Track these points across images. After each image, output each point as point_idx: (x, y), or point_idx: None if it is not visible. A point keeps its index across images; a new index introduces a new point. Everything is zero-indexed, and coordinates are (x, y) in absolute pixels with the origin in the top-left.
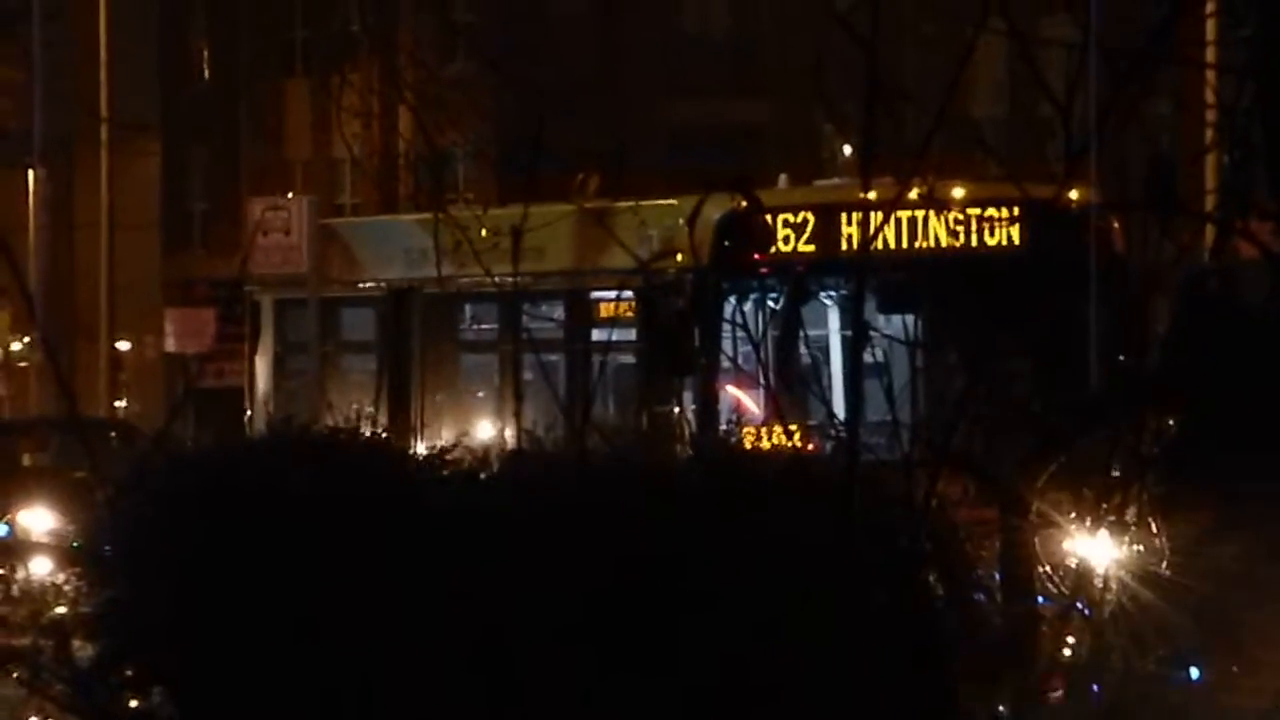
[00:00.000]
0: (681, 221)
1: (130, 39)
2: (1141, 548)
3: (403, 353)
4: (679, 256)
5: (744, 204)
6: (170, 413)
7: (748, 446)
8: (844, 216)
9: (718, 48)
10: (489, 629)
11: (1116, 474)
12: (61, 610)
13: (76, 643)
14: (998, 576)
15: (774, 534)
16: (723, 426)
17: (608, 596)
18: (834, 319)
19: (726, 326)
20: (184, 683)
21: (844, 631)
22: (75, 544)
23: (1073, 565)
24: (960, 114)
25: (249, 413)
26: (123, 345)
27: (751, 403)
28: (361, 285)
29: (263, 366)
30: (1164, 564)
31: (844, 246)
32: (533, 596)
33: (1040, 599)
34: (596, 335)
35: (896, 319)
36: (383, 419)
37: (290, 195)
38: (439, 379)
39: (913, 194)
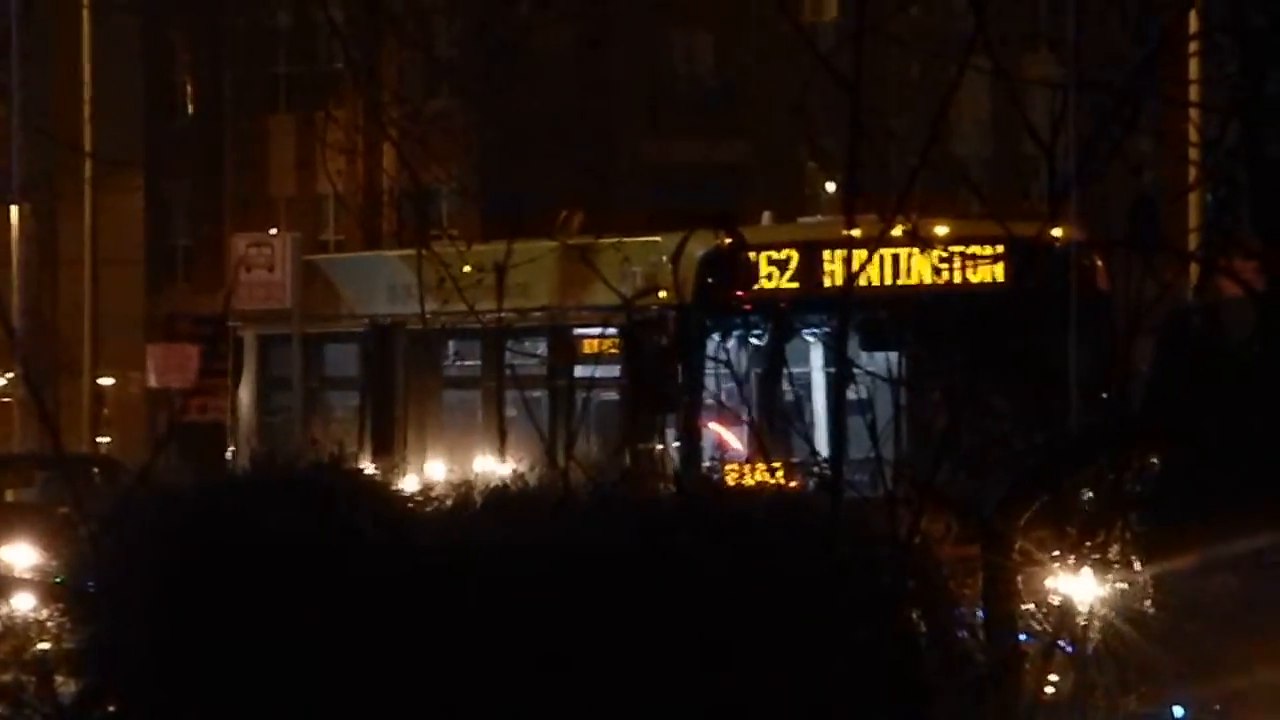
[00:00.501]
0: (665, 258)
1: (114, 74)
2: (1125, 586)
3: (386, 389)
4: (662, 293)
5: (727, 241)
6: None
7: (731, 483)
8: (827, 254)
9: (702, 86)
10: (472, 667)
11: (1100, 512)
12: (44, 646)
13: (59, 679)
14: (980, 614)
15: (756, 572)
16: (706, 463)
17: (590, 633)
18: (817, 356)
19: (710, 363)
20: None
21: (826, 669)
22: (58, 580)
23: (1056, 603)
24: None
25: (231, 449)
26: (106, 381)
27: (735, 440)
28: (345, 321)
29: (246, 402)
30: (1147, 602)
31: (827, 283)
32: (516, 634)
33: (1023, 636)
34: (580, 372)
35: (880, 356)
36: (366, 455)
37: (274, 231)
38: (422, 415)
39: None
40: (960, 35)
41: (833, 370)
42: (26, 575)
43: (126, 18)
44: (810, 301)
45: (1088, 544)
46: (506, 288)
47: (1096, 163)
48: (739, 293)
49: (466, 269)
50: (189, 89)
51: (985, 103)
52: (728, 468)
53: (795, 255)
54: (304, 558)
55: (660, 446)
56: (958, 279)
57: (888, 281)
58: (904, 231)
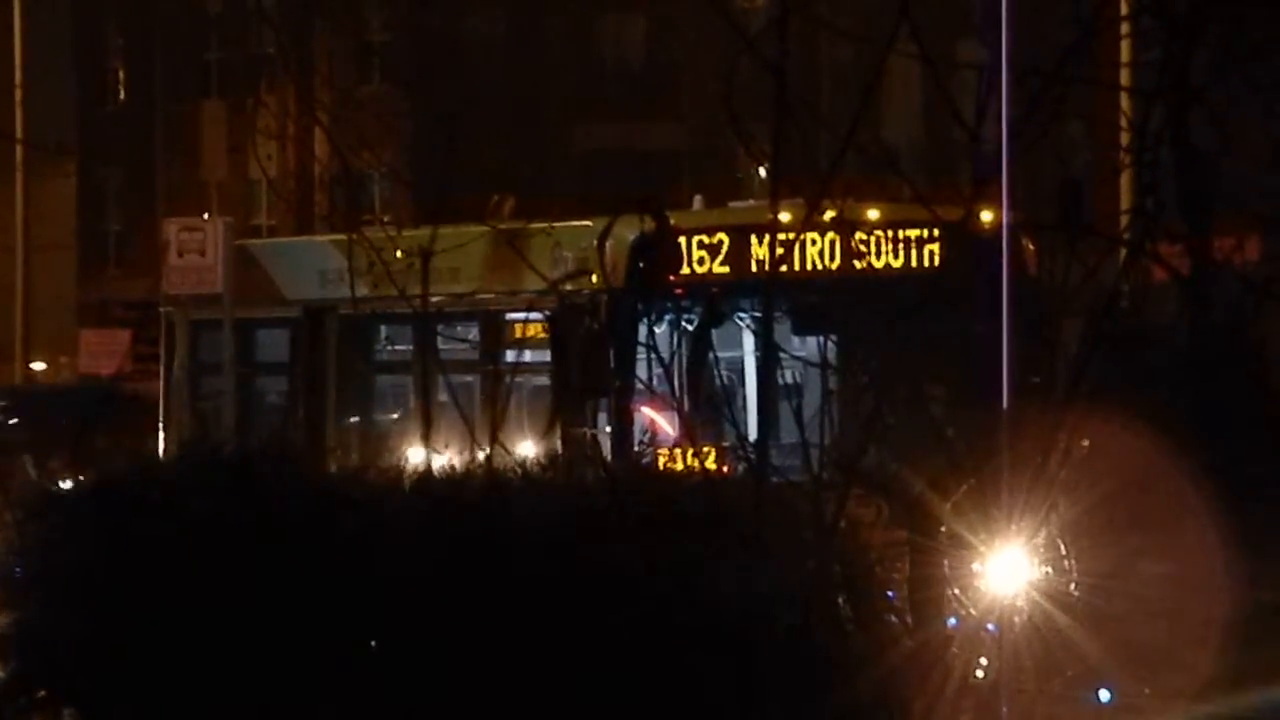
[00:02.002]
0: (595, 243)
1: (46, 60)
2: (1051, 569)
3: (317, 374)
4: (594, 278)
5: (656, 225)
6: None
7: (660, 468)
8: (756, 238)
9: (633, 71)
10: (396, 649)
11: (1027, 495)
12: None
13: None
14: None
15: (682, 556)
16: (636, 447)
17: (515, 618)
18: (748, 341)
19: (641, 348)
20: (94, 704)
21: (751, 654)
22: None
23: (982, 586)
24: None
25: (161, 434)
26: (38, 366)
27: (665, 424)
28: (277, 306)
29: (177, 387)
30: (1074, 586)
31: (756, 268)
32: (440, 617)
33: (950, 620)
34: (511, 357)
35: (811, 341)
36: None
37: (206, 216)
38: (353, 400)
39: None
40: (889, 19)
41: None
42: None
43: (58, 2)
44: (740, 286)
45: (1014, 527)
46: (438, 272)
47: (1024, 146)
48: (669, 277)
49: (398, 254)
50: (120, 74)
51: (916, 87)
52: (658, 452)
53: (725, 240)
54: (230, 541)
55: (590, 431)
56: (887, 263)
57: (818, 266)
58: (833, 216)
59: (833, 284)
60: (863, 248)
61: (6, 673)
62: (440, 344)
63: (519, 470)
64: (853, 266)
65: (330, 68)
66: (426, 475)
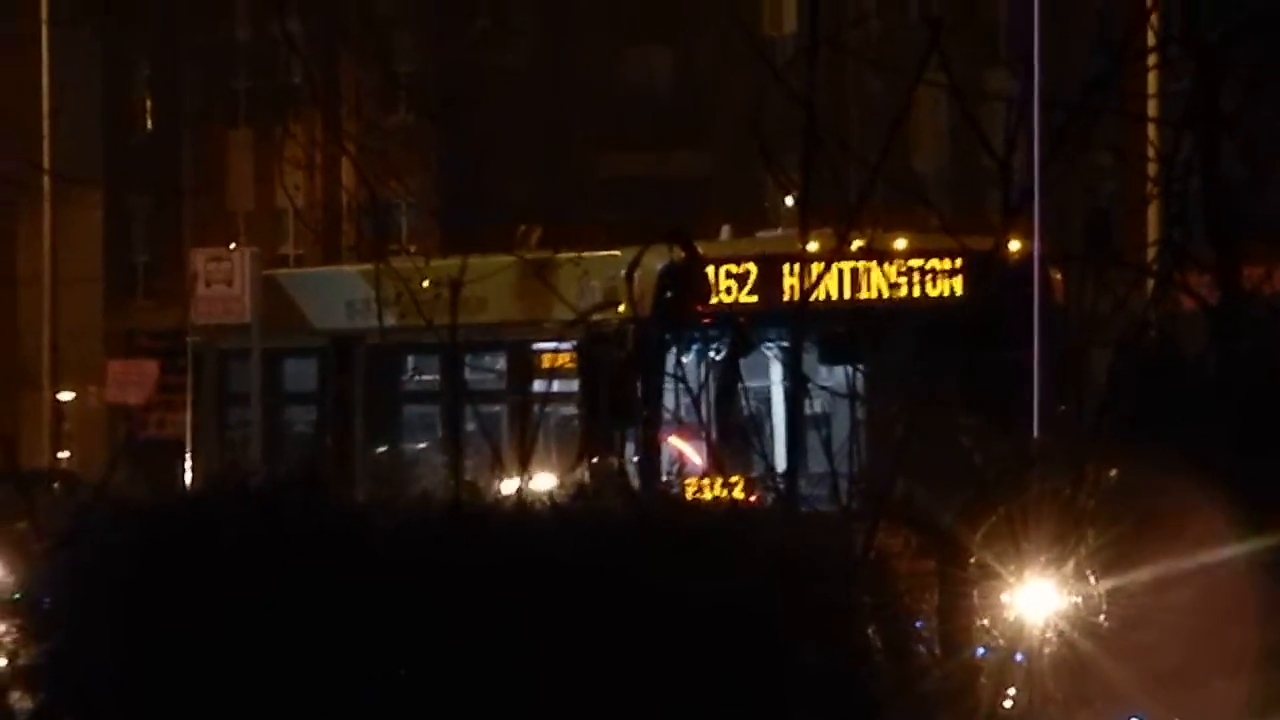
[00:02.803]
0: (623, 273)
1: (73, 90)
2: (1080, 599)
3: (344, 404)
4: (621, 308)
5: (682, 255)
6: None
7: (688, 498)
8: (785, 268)
9: (660, 101)
10: (429, 680)
11: (1056, 526)
12: (0, 662)
13: (15, 695)
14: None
15: (709, 587)
16: (664, 477)
17: (541, 648)
18: (776, 370)
19: (669, 378)
20: None
21: (781, 686)
22: (14, 596)
23: (1012, 617)
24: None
25: (189, 464)
26: (66, 396)
27: (693, 454)
28: (304, 336)
29: (204, 417)
30: (1103, 616)
31: (786, 298)
32: (471, 646)
33: (980, 650)
34: (538, 387)
35: (839, 370)
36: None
37: (233, 246)
38: (381, 430)
39: (855, 245)
40: (918, 50)
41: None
42: None
43: (86, 33)
44: (768, 315)
45: (1043, 557)
46: (465, 303)
47: (1052, 177)
48: (697, 307)
49: (425, 284)
50: (148, 104)
51: (945, 117)
52: (686, 482)
53: (753, 269)
54: (259, 571)
55: (618, 461)
56: (915, 293)
57: (846, 296)
58: (861, 246)
59: (861, 314)
60: (891, 277)
61: (36, 703)
62: (468, 374)
63: (547, 500)
64: (881, 296)
65: (357, 97)
66: (455, 504)
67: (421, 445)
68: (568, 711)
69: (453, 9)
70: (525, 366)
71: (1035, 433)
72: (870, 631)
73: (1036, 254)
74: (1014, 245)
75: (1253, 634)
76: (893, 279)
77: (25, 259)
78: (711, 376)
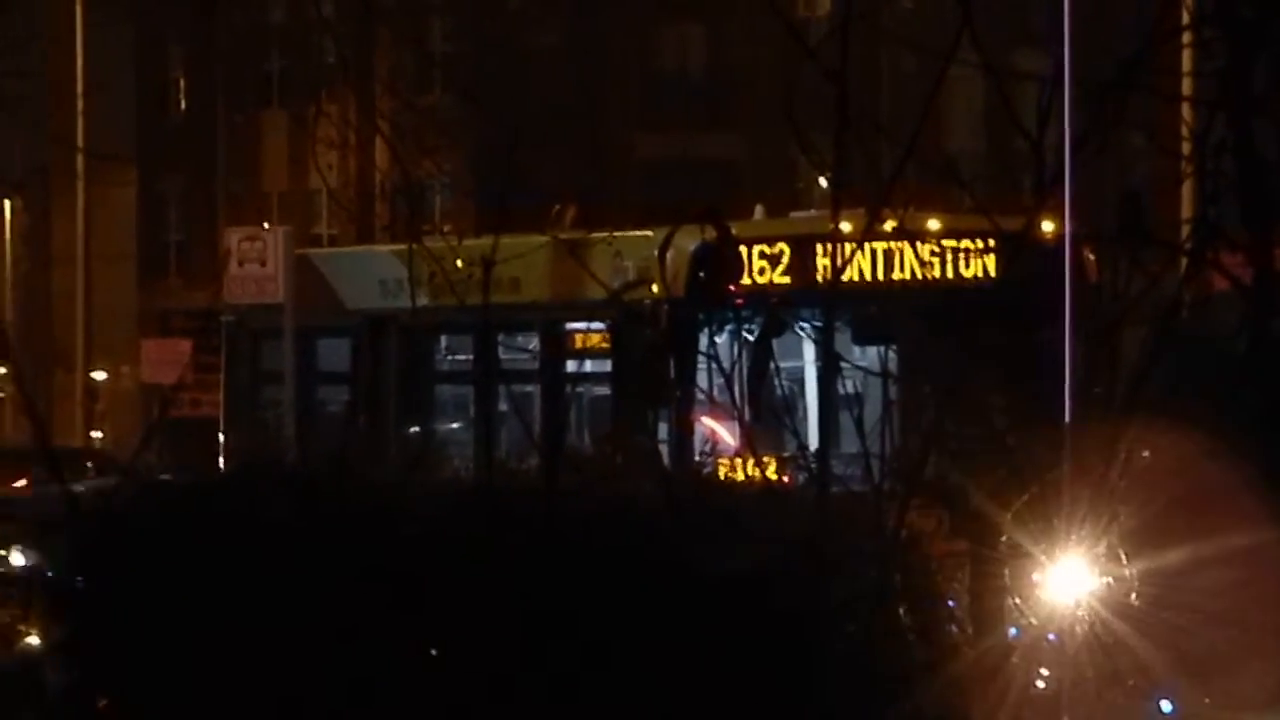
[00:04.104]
0: (657, 253)
1: (107, 70)
2: (1112, 579)
3: (377, 383)
4: (654, 288)
5: (717, 235)
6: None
7: (721, 478)
8: (819, 248)
9: (694, 82)
10: (457, 657)
11: (1088, 505)
12: (32, 640)
13: (49, 672)
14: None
15: (742, 567)
16: (697, 457)
17: (577, 625)
18: (809, 351)
19: (701, 358)
20: (154, 713)
21: (814, 664)
22: (48, 574)
23: (1043, 597)
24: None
25: (222, 443)
26: (99, 375)
27: (726, 434)
28: (337, 316)
29: (237, 397)
30: (1134, 595)
31: (819, 278)
32: (501, 625)
33: (1011, 630)
34: (571, 366)
35: (872, 350)
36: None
37: (266, 225)
38: (413, 410)
39: (888, 226)
40: (951, 28)
41: (821, 365)
42: (15, 569)
43: (120, 14)
44: (801, 295)
45: (1075, 537)
46: (499, 282)
47: (1086, 156)
48: (730, 287)
49: (459, 263)
50: (182, 84)
51: (979, 97)
52: (718, 462)
53: (787, 250)
54: (290, 551)
55: (651, 441)
56: (949, 273)
57: (879, 276)
58: (894, 226)
59: (894, 294)
60: (924, 257)
61: (67, 682)
62: (501, 354)
63: (579, 479)
64: (914, 276)
65: (391, 78)
66: (487, 483)
67: (454, 425)
68: (597, 689)
69: None
70: (558, 346)
71: (1067, 413)
72: (902, 611)
73: (1068, 234)
74: (1047, 225)
75: None
76: (925, 259)
77: (59, 239)
78: (744, 356)
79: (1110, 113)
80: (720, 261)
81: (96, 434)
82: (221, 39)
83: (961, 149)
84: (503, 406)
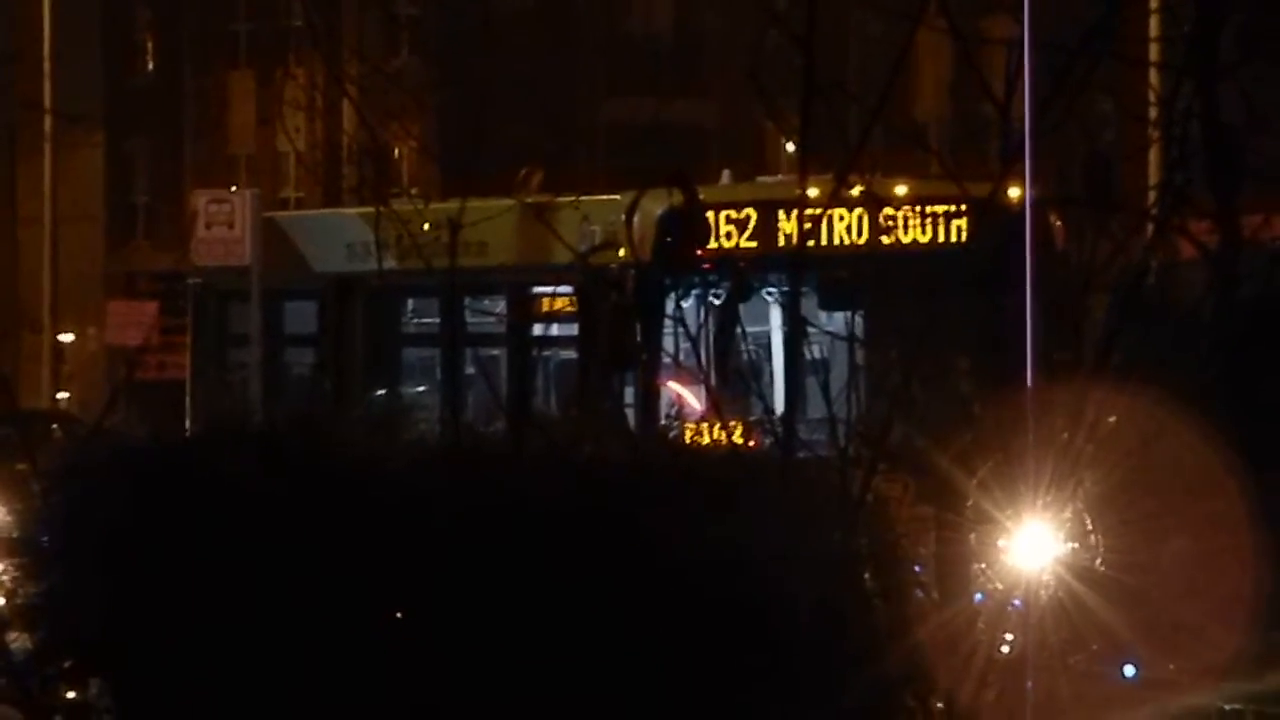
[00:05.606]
0: (623, 217)
1: (73, 30)
2: (1077, 545)
3: (344, 346)
4: (621, 252)
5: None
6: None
7: (686, 442)
8: (785, 213)
9: (662, 46)
10: (422, 619)
11: (1053, 470)
12: None
13: (13, 635)
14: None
15: (707, 528)
16: (663, 421)
17: (538, 590)
18: (776, 315)
19: (668, 322)
20: (121, 674)
21: (777, 630)
22: (11, 535)
23: (1008, 562)
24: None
25: (189, 406)
26: (66, 337)
27: (692, 398)
28: (304, 278)
29: (203, 359)
30: (1100, 561)
31: (784, 243)
32: (467, 590)
33: (976, 596)
34: (538, 330)
35: (838, 315)
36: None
37: (234, 188)
38: (380, 373)
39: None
40: None
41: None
42: None
43: None
44: (768, 260)
45: (1040, 503)
46: (465, 246)
47: (1052, 121)
48: (697, 251)
49: (425, 227)
50: (148, 45)
51: (947, 63)
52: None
53: (753, 214)
54: (256, 510)
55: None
56: (915, 238)
57: (846, 241)
58: (861, 191)
59: (860, 259)
60: (890, 223)
61: (33, 643)
62: (467, 317)
63: (544, 442)
64: (880, 242)
65: (359, 40)
66: (453, 446)
67: (421, 388)
68: (563, 657)
69: None
70: (524, 310)
71: (1029, 378)
72: (867, 576)
73: (1028, 198)
74: (1013, 191)
75: (1248, 582)
76: (892, 224)
77: (25, 200)
78: (710, 321)
79: (1077, 77)
80: (687, 226)
81: (62, 395)
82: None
83: (929, 115)
84: (469, 370)
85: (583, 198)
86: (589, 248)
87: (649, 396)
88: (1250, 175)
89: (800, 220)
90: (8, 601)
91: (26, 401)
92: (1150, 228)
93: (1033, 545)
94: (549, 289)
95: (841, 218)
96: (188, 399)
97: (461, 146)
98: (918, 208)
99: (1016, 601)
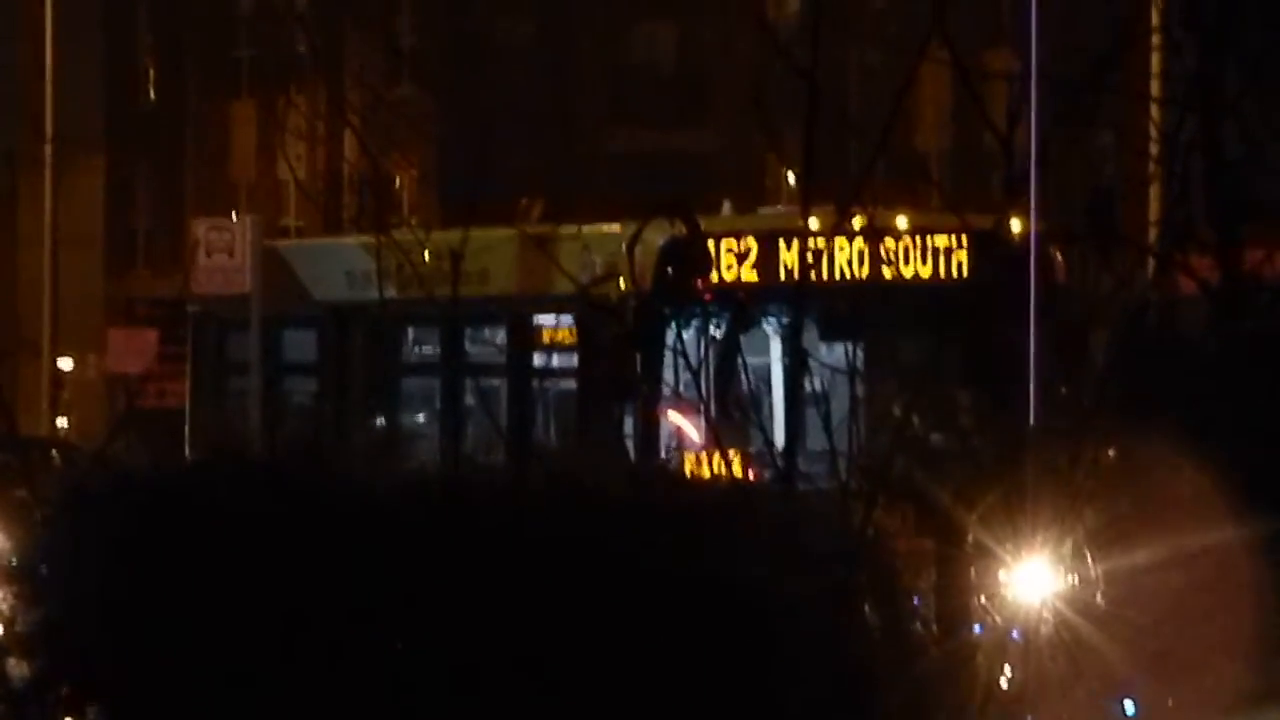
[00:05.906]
0: (624, 247)
1: (76, 56)
2: (1077, 579)
3: (344, 375)
4: (622, 282)
5: (684, 231)
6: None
7: (686, 474)
8: (785, 244)
9: (664, 77)
10: (419, 648)
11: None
12: None
13: (12, 661)
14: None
15: (705, 564)
16: (662, 453)
17: (538, 622)
18: (776, 347)
19: (668, 353)
20: (120, 701)
21: (779, 661)
22: (12, 562)
23: (1008, 596)
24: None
25: (188, 433)
26: (65, 363)
27: (692, 430)
28: (304, 307)
29: (203, 388)
30: (1099, 595)
31: (785, 275)
32: (465, 619)
33: (976, 628)
34: (539, 360)
35: (839, 348)
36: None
37: (234, 216)
38: (380, 402)
39: (856, 223)
40: (922, 26)
41: (788, 361)
42: None
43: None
44: (769, 292)
45: (1040, 537)
46: (466, 275)
47: (1054, 155)
48: (698, 282)
49: (426, 256)
50: (151, 72)
51: (948, 96)
52: (685, 457)
53: (754, 245)
54: (255, 539)
55: (616, 435)
56: (916, 271)
57: (847, 273)
58: (862, 223)
59: (862, 291)
60: (892, 255)
61: (32, 669)
62: (467, 347)
63: (544, 471)
64: (882, 274)
65: (361, 69)
66: (453, 475)
67: (420, 417)
68: (562, 686)
69: None
70: (525, 340)
71: (1032, 412)
72: (867, 609)
73: (1034, 232)
74: (1015, 224)
75: (1248, 617)
76: (894, 257)
77: (25, 225)
78: (711, 352)
79: (1080, 112)
80: (688, 257)
81: (62, 422)
82: (191, 27)
83: (931, 148)
84: (470, 399)
85: (584, 228)
86: (590, 278)
87: (649, 427)
88: (1252, 210)
89: (802, 252)
90: (7, 629)
91: (25, 428)
92: (1152, 262)
93: (1032, 579)
94: (550, 319)
95: (843, 249)
96: (187, 427)
97: (462, 176)
98: (919, 240)
99: (1016, 635)
